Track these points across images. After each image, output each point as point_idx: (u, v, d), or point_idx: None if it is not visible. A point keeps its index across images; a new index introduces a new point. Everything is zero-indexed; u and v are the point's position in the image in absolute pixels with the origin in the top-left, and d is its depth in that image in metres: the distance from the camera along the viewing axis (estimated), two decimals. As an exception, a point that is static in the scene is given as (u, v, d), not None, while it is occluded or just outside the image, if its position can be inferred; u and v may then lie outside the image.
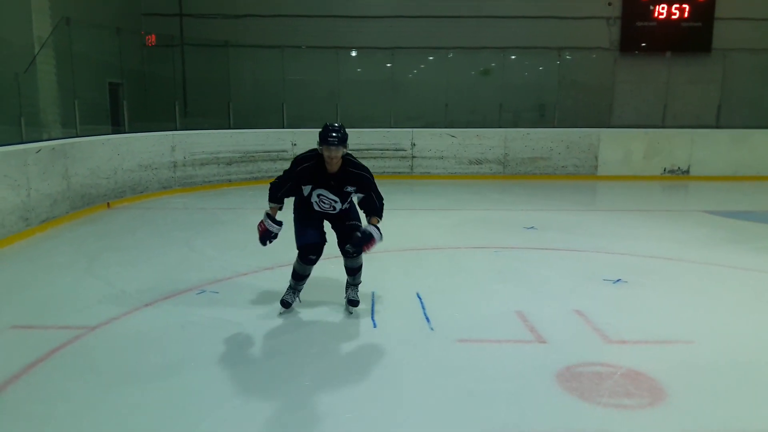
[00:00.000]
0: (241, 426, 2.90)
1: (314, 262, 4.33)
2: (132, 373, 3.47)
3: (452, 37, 14.36)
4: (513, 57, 14.40)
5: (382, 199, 4.26)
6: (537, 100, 14.40)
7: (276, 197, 4.25)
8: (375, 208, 4.21)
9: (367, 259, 6.00)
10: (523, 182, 12.05)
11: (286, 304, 4.43)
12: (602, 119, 13.57)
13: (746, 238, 7.16)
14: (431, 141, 12.28)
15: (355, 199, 4.25)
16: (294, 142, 11.80)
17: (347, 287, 4.56)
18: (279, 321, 4.30)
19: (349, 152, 4.15)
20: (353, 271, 4.48)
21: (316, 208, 4.24)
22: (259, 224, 4.26)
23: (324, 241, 4.32)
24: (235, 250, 6.31)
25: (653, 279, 5.36)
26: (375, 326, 4.18)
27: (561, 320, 4.28)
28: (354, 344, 3.89)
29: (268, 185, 4.29)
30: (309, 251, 4.26)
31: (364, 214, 4.26)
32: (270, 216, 4.25)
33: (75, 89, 9.13)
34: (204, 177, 10.81)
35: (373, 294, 4.79)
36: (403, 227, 7.29)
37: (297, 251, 4.30)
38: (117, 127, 10.28)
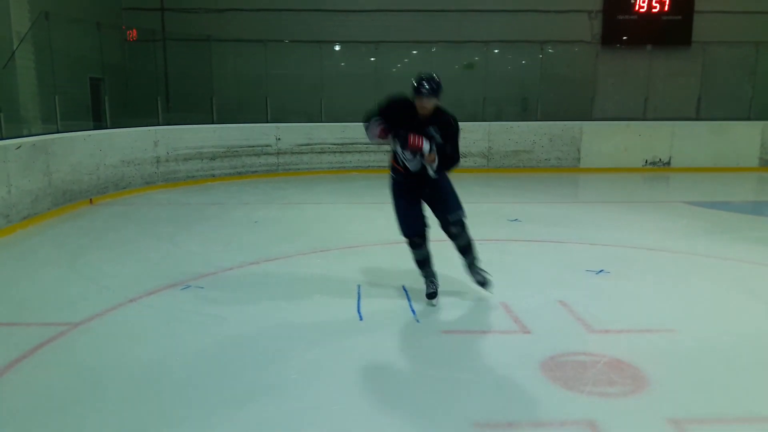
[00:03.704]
0: (227, 420, 2.90)
1: (423, 244, 4.41)
2: (117, 368, 3.46)
3: (435, 31, 14.39)
4: (496, 51, 14.45)
5: (458, 156, 4.24)
6: (520, 94, 14.46)
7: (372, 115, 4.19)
8: (444, 155, 4.11)
9: (354, 253, 6.04)
10: (506, 175, 12.12)
11: (432, 296, 4.42)
12: (584, 112, 13.68)
13: (726, 228, 7.27)
14: (415, 135, 12.27)
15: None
16: (278, 137, 11.77)
17: (468, 270, 4.51)
18: (264, 315, 4.30)
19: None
20: (465, 250, 4.43)
21: (402, 158, 4.26)
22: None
23: (426, 226, 4.43)
24: (220, 245, 6.29)
25: (635, 269, 5.43)
26: (361, 319, 4.20)
27: (545, 311, 4.33)
28: (340, 337, 3.90)
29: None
30: (413, 240, 4.43)
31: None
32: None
33: (55, 84, 9.01)
34: (187, 172, 10.73)
35: (358, 287, 4.81)
36: (389, 220, 7.29)
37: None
38: (98, 123, 10.16)
